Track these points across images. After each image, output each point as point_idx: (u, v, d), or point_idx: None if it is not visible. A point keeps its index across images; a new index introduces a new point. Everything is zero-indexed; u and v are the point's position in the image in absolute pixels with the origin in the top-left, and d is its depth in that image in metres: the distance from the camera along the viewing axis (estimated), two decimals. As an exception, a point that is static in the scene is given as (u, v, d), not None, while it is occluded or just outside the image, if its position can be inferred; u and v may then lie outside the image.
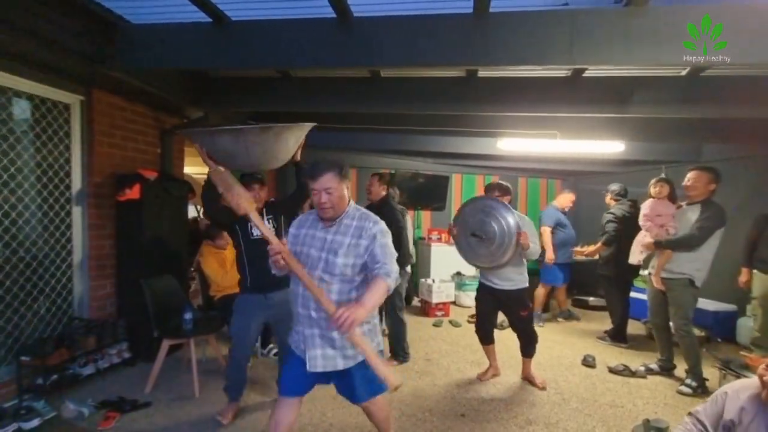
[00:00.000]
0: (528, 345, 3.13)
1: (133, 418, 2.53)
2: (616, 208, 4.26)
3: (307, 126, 2.46)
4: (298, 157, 2.46)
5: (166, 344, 2.89)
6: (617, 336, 4.13)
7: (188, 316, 2.97)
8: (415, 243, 5.68)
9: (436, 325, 4.61)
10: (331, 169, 1.69)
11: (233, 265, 3.08)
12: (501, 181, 3.30)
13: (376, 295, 1.57)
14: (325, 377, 1.80)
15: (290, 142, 2.46)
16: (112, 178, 3.35)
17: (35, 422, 2.39)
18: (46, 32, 2.40)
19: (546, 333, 4.45)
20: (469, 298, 5.42)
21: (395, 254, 1.73)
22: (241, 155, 2.46)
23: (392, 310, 3.54)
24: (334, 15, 2.45)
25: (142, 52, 2.75)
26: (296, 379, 1.80)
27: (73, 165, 3.16)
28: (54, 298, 3.04)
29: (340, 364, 1.75)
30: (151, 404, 2.68)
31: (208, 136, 2.60)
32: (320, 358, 1.72)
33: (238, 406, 2.60)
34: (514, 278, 2.96)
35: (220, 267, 3.15)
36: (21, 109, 2.91)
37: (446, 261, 5.66)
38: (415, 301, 5.66)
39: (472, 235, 2.94)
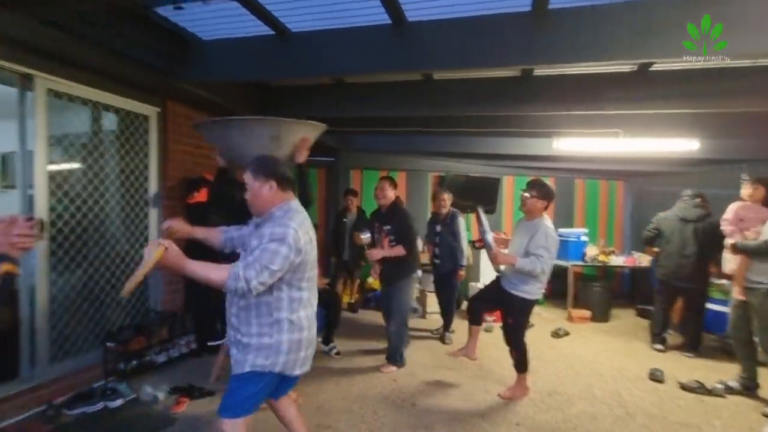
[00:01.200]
0: (513, 357, 2.93)
1: (200, 405, 2.72)
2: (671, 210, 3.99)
3: (318, 126, 2.44)
4: (302, 159, 2.36)
5: (229, 337, 3.08)
6: (689, 345, 3.84)
7: (249, 311, 3.15)
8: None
9: (487, 330, 4.50)
10: (250, 164, 1.71)
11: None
12: (545, 182, 3.02)
13: (207, 269, 1.54)
14: None
15: (292, 139, 2.38)
16: (183, 182, 3.64)
17: (119, 402, 2.65)
18: (129, 51, 2.68)
19: (607, 343, 4.20)
20: (521, 304, 5.25)
21: (269, 268, 1.52)
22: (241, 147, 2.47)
23: (398, 314, 3.36)
24: (389, 21, 2.51)
25: (210, 66, 2.98)
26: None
27: (150, 170, 3.47)
28: (134, 291, 3.34)
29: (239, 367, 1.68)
30: (215, 393, 2.87)
31: (213, 127, 2.62)
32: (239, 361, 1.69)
33: None
34: (515, 283, 2.77)
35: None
36: (109, 121, 3.26)
37: (497, 265, 5.52)
38: (465, 305, 5.57)
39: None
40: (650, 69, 2.95)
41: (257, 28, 2.72)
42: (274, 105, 3.91)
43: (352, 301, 5.23)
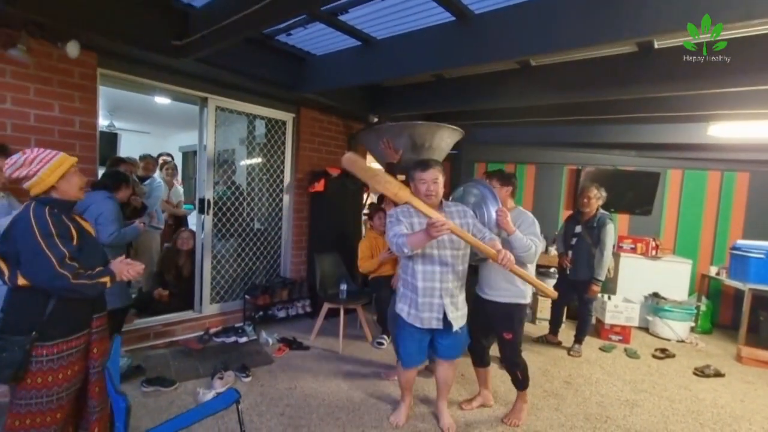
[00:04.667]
0: (513, 376, 2.54)
1: (295, 355, 3.37)
2: None
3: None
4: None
5: (326, 306, 3.66)
6: None
7: (343, 287, 3.67)
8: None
9: (603, 349, 3.89)
10: (438, 164, 2.19)
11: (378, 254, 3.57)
12: (503, 170, 2.68)
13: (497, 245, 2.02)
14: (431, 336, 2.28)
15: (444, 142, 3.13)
16: (309, 174, 4.40)
17: (244, 340, 3.54)
18: (264, 73, 3.44)
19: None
20: (670, 328, 4.28)
21: None
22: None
23: None
24: (452, 18, 2.53)
25: (320, 76, 3.53)
26: (421, 350, 2.30)
27: (285, 165, 4.34)
28: (269, 259, 4.31)
29: (461, 322, 2.23)
30: (309, 349, 3.49)
31: (370, 134, 3.29)
32: (460, 318, 2.22)
33: None
34: (504, 287, 2.41)
35: (368, 250, 3.68)
36: (259, 127, 4.24)
37: (639, 277, 4.62)
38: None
39: None
40: None
41: (347, 41, 3.11)
42: (386, 104, 4.28)
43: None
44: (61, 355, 1.56)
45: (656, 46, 2.59)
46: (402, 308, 2.26)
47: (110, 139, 6.16)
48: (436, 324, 2.15)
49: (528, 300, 2.48)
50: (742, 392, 3.18)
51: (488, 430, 2.45)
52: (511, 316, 2.43)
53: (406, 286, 2.25)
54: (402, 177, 2.98)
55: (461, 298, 2.24)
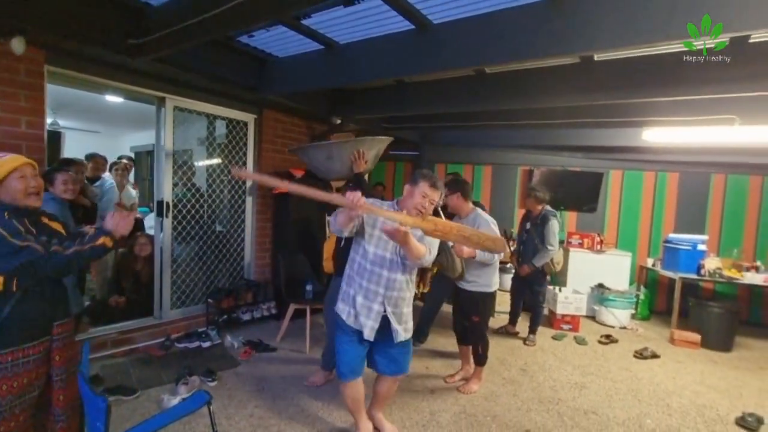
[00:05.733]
0: (476, 350, 2.97)
1: (262, 357, 3.37)
2: None
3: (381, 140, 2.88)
4: (360, 169, 3.03)
5: (291, 307, 3.67)
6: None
7: (309, 287, 3.70)
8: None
9: (555, 338, 4.18)
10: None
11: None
12: (456, 176, 3.22)
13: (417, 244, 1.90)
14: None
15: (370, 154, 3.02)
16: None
17: (208, 344, 3.48)
18: (225, 73, 3.40)
19: (709, 376, 3.47)
20: (613, 316, 4.66)
21: None
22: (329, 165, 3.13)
23: None
24: (413, 26, 2.64)
25: (282, 78, 3.54)
26: (361, 357, 2.11)
27: (247, 166, 4.29)
28: (233, 261, 4.25)
29: (405, 336, 2.08)
30: (276, 350, 3.50)
31: (302, 152, 3.40)
32: (405, 332, 2.08)
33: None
34: (470, 280, 2.85)
35: (333, 250, 3.73)
36: (220, 128, 4.17)
37: (586, 270, 4.99)
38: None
39: None
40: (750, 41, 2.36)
41: (311, 44, 3.15)
42: (348, 107, 4.34)
43: (425, 291, 5.41)
44: (16, 363, 1.51)
45: (596, 59, 2.85)
46: (342, 309, 2.06)
47: (53, 138, 5.78)
48: (369, 334, 1.98)
49: (493, 290, 2.91)
50: (674, 370, 3.54)
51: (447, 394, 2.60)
52: (478, 302, 2.87)
53: (350, 284, 2.06)
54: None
55: (407, 311, 2.09)
